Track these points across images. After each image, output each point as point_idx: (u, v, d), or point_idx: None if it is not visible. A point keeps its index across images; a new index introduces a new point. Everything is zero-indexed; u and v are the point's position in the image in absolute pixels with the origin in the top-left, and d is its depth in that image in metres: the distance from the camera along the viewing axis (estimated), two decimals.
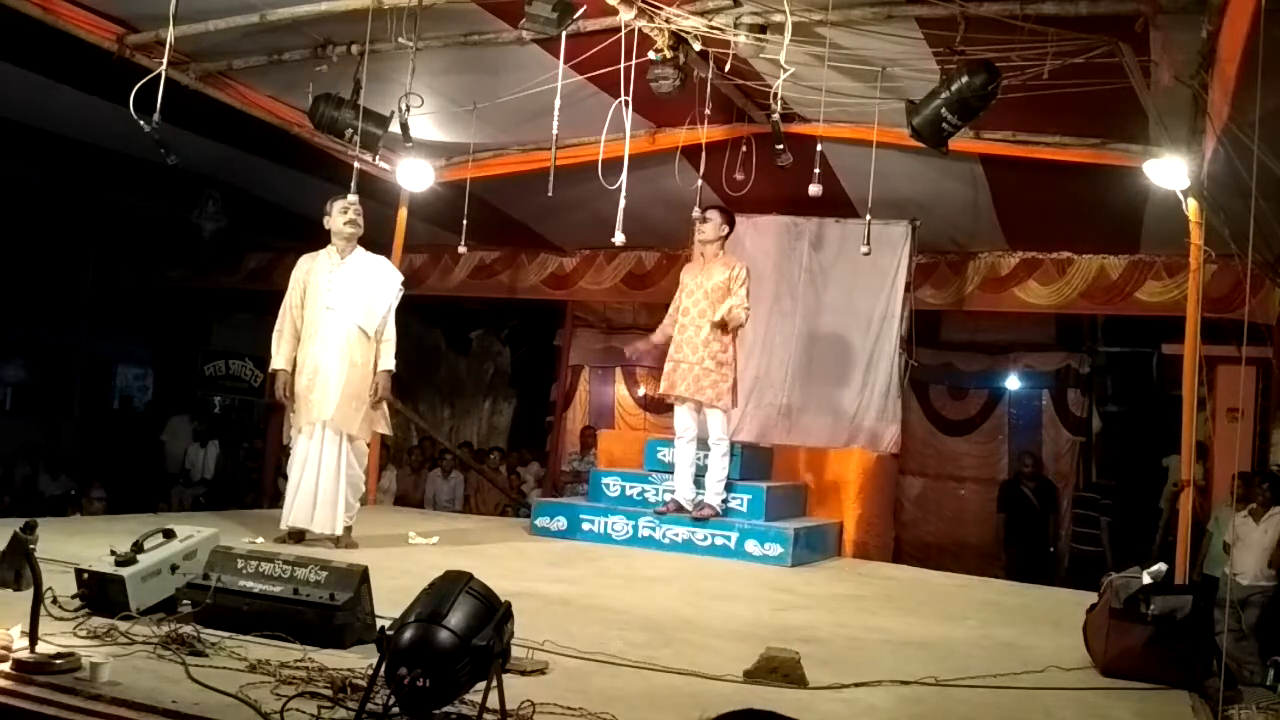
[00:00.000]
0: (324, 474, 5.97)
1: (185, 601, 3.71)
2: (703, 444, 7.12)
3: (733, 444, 7.40)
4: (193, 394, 13.11)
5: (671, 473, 7.24)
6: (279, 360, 6.11)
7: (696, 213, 7.31)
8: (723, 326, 6.93)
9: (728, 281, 6.99)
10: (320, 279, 6.12)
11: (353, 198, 6.09)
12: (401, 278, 6.42)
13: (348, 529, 6.05)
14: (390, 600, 3.48)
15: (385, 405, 6.30)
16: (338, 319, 6.04)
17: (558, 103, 5.65)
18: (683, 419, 7.17)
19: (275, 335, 6.16)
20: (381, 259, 6.37)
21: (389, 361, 6.18)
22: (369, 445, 6.39)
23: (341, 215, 6.12)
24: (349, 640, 3.52)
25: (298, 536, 5.97)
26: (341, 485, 5.98)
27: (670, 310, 7.39)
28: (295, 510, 5.98)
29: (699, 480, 7.15)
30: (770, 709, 1.84)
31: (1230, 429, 8.64)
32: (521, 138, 7.94)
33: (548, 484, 11.68)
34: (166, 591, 3.75)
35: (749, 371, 8.61)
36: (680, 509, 7.09)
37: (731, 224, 7.25)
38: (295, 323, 6.14)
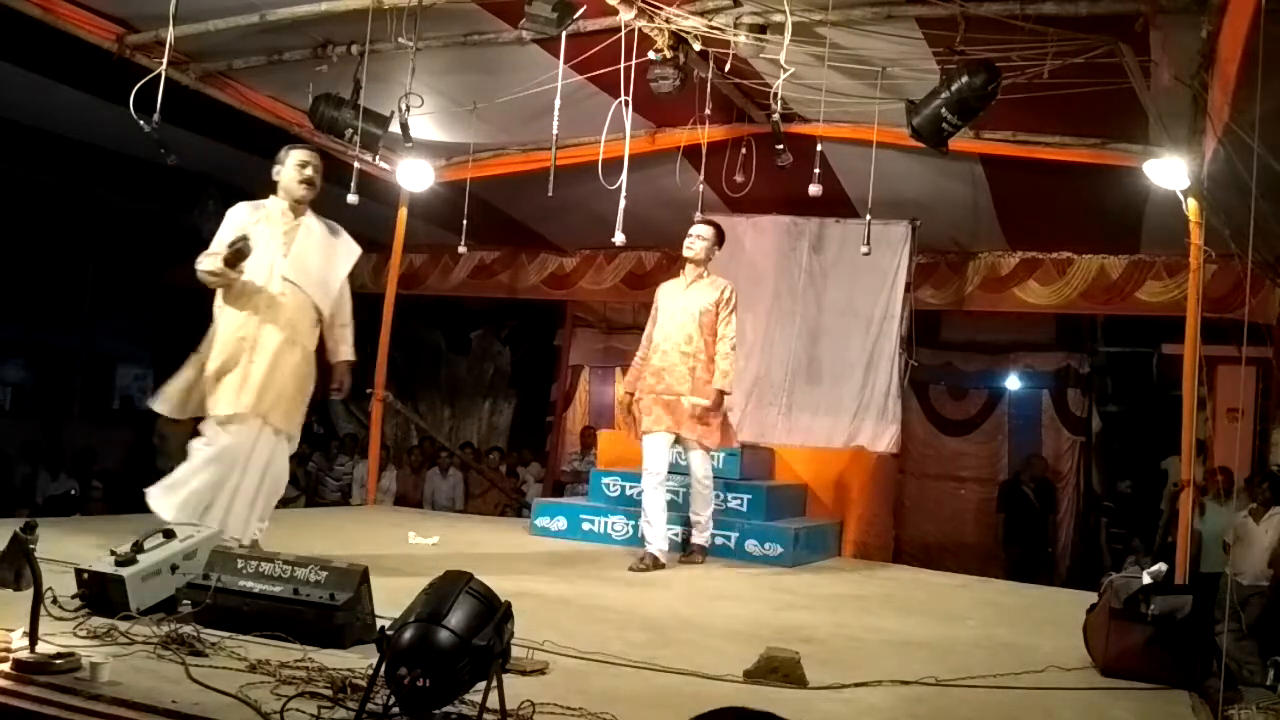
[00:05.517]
0: (253, 475, 5.03)
1: (185, 601, 3.70)
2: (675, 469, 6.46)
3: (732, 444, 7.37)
4: None
5: (672, 473, 6.56)
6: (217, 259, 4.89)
7: (699, 217, 7.26)
8: (709, 354, 6.29)
9: (716, 305, 6.33)
10: (273, 239, 5.09)
11: (315, 155, 5.27)
12: (359, 251, 5.46)
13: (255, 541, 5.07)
14: (390, 600, 3.48)
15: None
16: (295, 293, 5.12)
17: (558, 103, 5.66)
18: (655, 452, 6.30)
19: (209, 256, 4.95)
20: (336, 226, 5.41)
21: (351, 350, 5.39)
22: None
23: (299, 170, 5.15)
24: (349, 640, 3.51)
25: None
26: (266, 488, 5.12)
27: (644, 345, 6.60)
28: (234, 520, 4.94)
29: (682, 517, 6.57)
30: (763, 709, 1.83)
31: (1230, 429, 8.65)
32: (521, 138, 7.94)
33: (548, 484, 11.69)
34: (166, 591, 3.74)
35: (749, 371, 8.62)
36: (657, 564, 6.15)
37: (721, 241, 6.63)
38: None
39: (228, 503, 4.95)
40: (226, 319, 5.04)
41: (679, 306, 6.43)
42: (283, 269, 5.08)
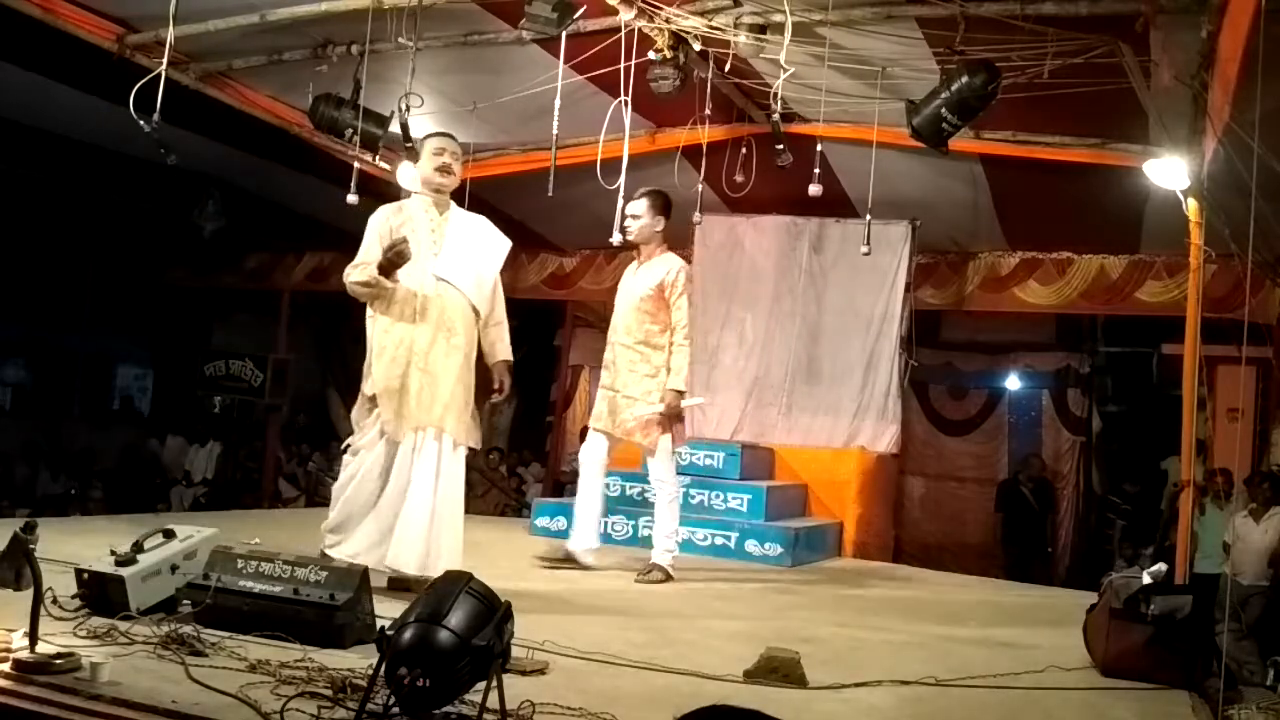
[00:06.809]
0: (444, 497, 4.63)
1: (185, 601, 3.70)
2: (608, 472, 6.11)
3: (732, 444, 7.35)
4: (193, 394, 13.12)
5: (678, 473, 6.19)
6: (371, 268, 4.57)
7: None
8: (651, 345, 5.86)
9: (661, 288, 5.82)
10: (421, 239, 4.68)
11: (451, 141, 4.86)
12: (510, 244, 5.03)
13: None
14: (390, 600, 3.48)
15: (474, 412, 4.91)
16: (451, 293, 4.72)
17: (558, 103, 5.66)
18: (592, 445, 6.00)
19: (358, 267, 4.64)
20: (481, 218, 5.02)
21: (509, 349, 4.97)
22: None
23: (434, 158, 4.76)
24: (349, 640, 3.52)
25: (399, 585, 4.47)
26: (442, 506, 4.62)
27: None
28: (403, 547, 4.49)
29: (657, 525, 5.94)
30: (753, 708, 1.82)
31: (1230, 429, 8.65)
32: (521, 138, 7.94)
33: (548, 484, 11.69)
34: (166, 591, 3.75)
35: (749, 372, 8.63)
36: (570, 559, 5.91)
37: (666, 211, 6.00)
38: None
39: (392, 526, 4.52)
40: (380, 328, 4.67)
41: (626, 292, 6.04)
42: (434, 268, 4.69)
